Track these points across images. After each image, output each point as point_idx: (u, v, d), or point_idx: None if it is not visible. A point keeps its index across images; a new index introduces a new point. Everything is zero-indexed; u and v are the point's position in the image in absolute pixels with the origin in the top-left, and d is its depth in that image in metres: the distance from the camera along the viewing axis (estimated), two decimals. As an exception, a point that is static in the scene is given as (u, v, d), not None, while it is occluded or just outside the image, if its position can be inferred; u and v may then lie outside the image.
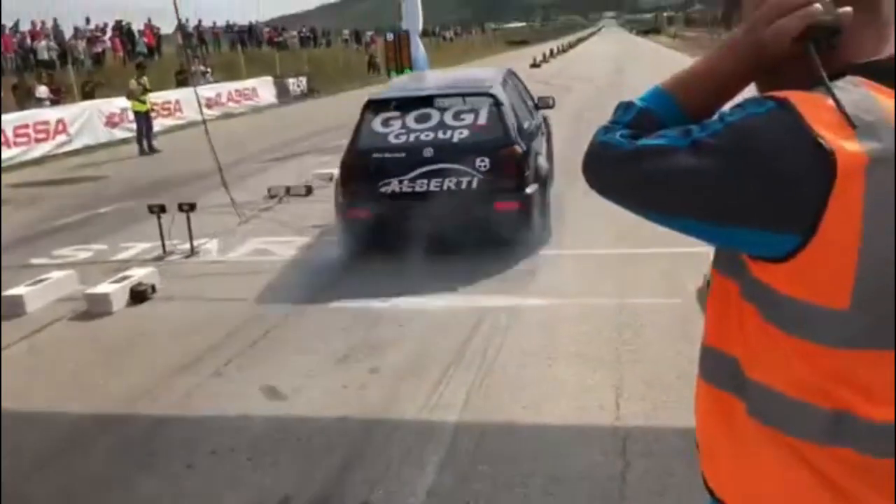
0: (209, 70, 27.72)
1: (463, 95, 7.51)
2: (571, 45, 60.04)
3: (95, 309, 6.14)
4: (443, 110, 6.97)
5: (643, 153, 1.10)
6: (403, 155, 6.56)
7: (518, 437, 3.85)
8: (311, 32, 46.10)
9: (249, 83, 27.65)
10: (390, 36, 15.97)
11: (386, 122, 6.86)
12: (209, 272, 7.09)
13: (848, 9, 1.04)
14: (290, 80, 30.67)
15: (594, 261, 6.61)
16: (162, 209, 7.54)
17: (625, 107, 1.22)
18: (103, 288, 6.28)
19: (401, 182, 6.51)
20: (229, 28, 38.92)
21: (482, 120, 6.72)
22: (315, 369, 4.81)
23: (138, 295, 6.34)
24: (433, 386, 4.43)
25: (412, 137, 6.66)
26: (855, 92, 1.01)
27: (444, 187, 6.43)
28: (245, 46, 36.19)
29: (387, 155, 6.61)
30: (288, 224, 8.61)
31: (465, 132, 6.64)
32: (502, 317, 5.45)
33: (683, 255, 6.48)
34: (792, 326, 1.05)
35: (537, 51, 54.09)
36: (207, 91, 22.05)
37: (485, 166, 6.42)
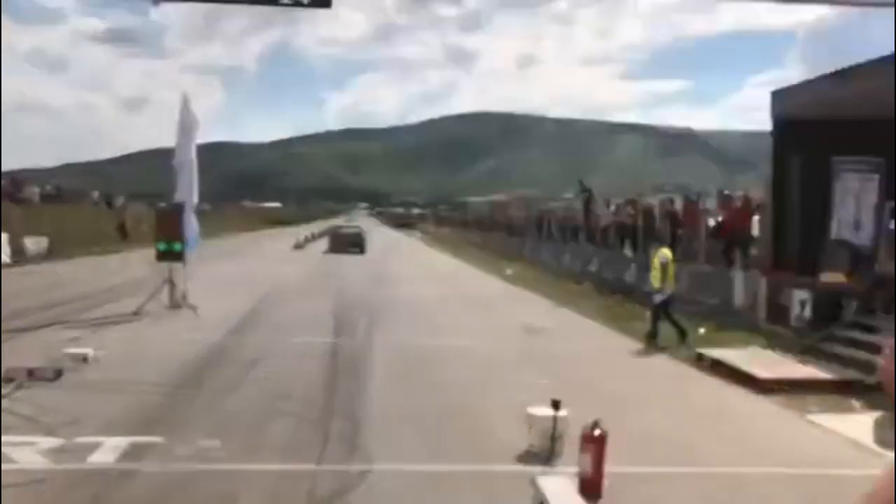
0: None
1: (353, 225, 52.27)
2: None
3: None
4: (350, 227, 48.27)
5: None
6: (343, 231, 44.81)
7: None
8: (56, 190, 43.00)
9: (-24, 239, 24.65)
10: (162, 205, 14.99)
11: (336, 227, 49.15)
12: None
13: None
14: (28, 240, 27.86)
15: (407, 480, 5.98)
16: None
17: None
18: None
19: (341, 236, 42.56)
20: (-41, 176, 35.20)
21: (358, 230, 44.47)
22: None
23: None
24: None
25: (344, 231, 45.09)
26: None
27: (352, 240, 40.82)
28: (-24, 198, 32.72)
29: (338, 231, 44.61)
30: (33, 419, 7.10)
31: (356, 230, 44.79)
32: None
33: (502, 476, 6.11)
34: None
35: (296, 231, 57.27)
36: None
37: (359, 236, 42.22)
